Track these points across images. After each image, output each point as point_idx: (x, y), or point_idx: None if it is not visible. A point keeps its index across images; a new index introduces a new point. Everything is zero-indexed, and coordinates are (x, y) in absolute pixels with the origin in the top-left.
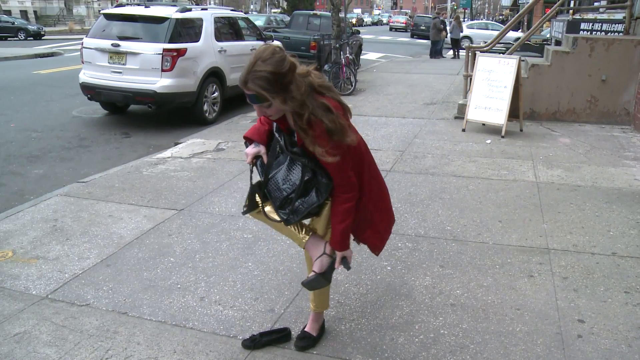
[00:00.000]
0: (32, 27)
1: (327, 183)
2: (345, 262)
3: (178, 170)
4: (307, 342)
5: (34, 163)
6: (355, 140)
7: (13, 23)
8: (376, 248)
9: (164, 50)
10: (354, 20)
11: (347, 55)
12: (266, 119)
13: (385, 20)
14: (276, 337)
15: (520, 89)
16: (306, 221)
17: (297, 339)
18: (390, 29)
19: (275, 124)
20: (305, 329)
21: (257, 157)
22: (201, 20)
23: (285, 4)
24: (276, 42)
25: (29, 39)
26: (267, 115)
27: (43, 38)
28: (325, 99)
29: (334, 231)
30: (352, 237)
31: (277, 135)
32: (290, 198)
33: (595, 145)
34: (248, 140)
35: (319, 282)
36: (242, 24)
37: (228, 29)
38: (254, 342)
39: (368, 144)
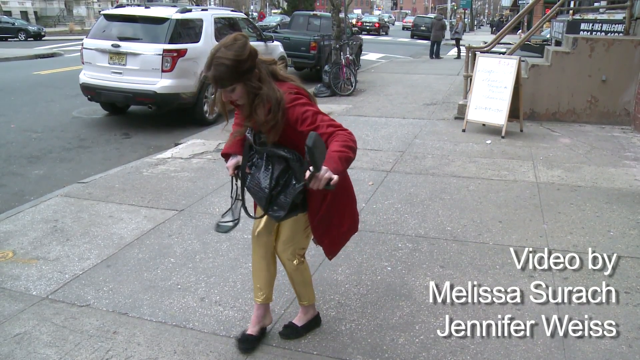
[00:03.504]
0: (33, 28)
1: (299, 165)
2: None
3: (178, 171)
4: (290, 331)
5: (34, 164)
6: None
7: (13, 24)
8: (329, 252)
9: (164, 50)
10: (354, 21)
11: (347, 55)
12: (238, 126)
13: (385, 20)
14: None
15: (521, 90)
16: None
17: (282, 327)
18: (403, 28)
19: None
20: (293, 320)
21: (237, 167)
22: (201, 20)
23: (285, 5)
24: (276, 42)
25: (29, 39)
26: (233, 100)
27: (43, 39)
28: (286, 86)
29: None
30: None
31: (247, 135)
32: (273, 195)
33: (595, 145)
34: (226, 157)
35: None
36: (242, 24)
37: (228, 30)
38: (249, 342)
39: (368, 145)
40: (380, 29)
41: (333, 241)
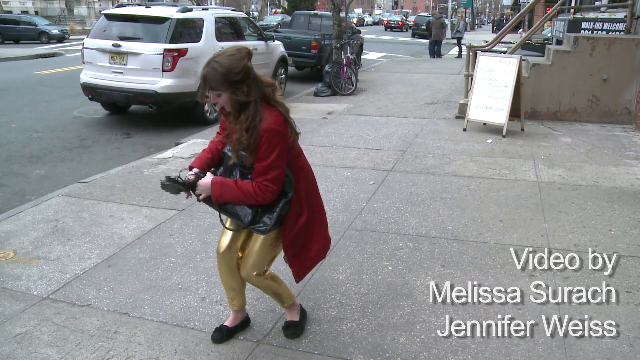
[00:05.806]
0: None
1: (288, 180)
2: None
3: (179, 170)
4: (293, 328)
5: (35, 163)
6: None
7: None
8: (297, 275)
9: (165, 50)
10: (355, 20)
11: (348, 55)
12: (215, 145)
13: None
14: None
15: (521, 89)
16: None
17: (283, 329)
18: None
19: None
20: (287, 319)
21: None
22: (202, 20)
23: (286, 4)
24: (277, 42)
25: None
26: (220, 105)
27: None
28: (271, 112)
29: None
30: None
31: (227, 152)
32: (259, 210)
33: (596, 144)
34: (191, 169)
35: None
36: (242, 24)
37: (229, 29)
38: (222, 333)
39: (369, 144)
40: (402, 26)
41: (302, 265)
